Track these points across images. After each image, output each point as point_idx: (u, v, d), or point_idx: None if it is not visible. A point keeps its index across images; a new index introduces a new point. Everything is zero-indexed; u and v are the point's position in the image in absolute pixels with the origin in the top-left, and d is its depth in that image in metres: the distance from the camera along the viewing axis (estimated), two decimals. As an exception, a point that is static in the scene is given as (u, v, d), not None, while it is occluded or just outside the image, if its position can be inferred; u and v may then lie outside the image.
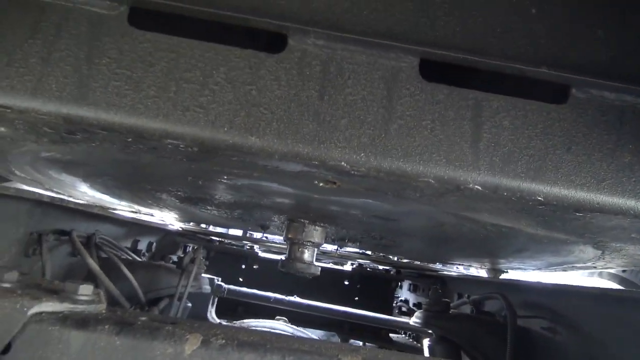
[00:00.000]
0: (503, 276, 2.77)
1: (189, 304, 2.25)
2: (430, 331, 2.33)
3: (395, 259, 3.64)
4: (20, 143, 1.29)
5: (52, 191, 2.09)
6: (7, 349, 0.90)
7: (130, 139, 1.06)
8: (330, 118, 1.04)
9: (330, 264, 4.10)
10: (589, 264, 1.88)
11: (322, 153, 1.03)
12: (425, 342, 2.34)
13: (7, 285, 0.98)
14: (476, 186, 1.06)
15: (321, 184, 1.21)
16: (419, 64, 1.07)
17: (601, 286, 2.31)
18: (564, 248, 1.64)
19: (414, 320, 2.41)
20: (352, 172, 1.05)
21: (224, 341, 0.96)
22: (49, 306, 0.93)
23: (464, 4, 1.06)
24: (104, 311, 1.02)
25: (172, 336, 0.95)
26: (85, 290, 1.01)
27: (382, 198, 1.30)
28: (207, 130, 1.02)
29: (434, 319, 2.28)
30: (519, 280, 2.44)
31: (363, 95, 1.05)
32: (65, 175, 1.66)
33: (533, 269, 2.43)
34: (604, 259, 1.71)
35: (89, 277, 1.69)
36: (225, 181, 1.39)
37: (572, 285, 1.94)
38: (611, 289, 2.01)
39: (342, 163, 1.04)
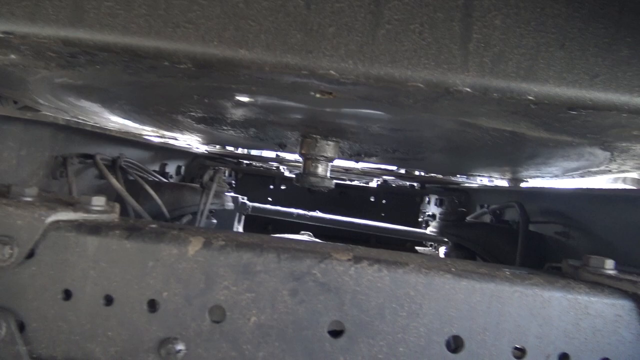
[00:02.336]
0: (523, 185, 2.78)
1: (214, 221, 2.38)
2: (446, 240, 2.40)
3: (418, 173, 3.68)
4: (33, 70, 1.35)
5: (78, 118, 2.19)
6: (31, 254, 1.01)
7: (126, 59, 1.11)
8: (318, 27, 1.05)
9: (356, 181, 4.17)
10: (602, 167, 1.87)
11: (310, 62, 1.05)
12: (442, 250, 2.42)
13: (28, 199, 1.07)
14: (466, 88, 1.06)
15: (317, 95, 1.23)
16: (406, -35, 1.05)
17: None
18: (572, 151, 1.64)
19: (430, 229, 2.48)
20: (342, 80, 1.07)
21: (224, 242, 1.05)
22: (65, 215, 1.03)
23: None
24: (116, 220, 1.12)
25: (176, 239, 1.04)
26: (98, 201, 1.10)
27: (380, 106, 1.32)
28: (198, 45, 1.05)
29: (450, 228, 2.34)
30: (536, 188, 2.45)
31: (350, 2, 1.05)
32: (84, 101, 1.74)
33: (551, 177, 2.42)
34: (615, 161, 1.70)
35: (118, 199, 1.80)
36: (229, 99, 1.44)
37: (584, 188, 1.94)
38: (619, 189, 2.00)
39: (331, 71, 1.06)
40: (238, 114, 1.68)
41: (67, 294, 1.01)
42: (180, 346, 1.00)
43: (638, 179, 2.45)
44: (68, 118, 1.66)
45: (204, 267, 1.02)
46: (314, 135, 1.92)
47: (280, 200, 3.87)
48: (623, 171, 1.94)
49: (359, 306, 1.03)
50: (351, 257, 1.05)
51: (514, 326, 1.05)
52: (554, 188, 2.34)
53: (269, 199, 3.93)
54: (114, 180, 1.63)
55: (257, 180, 3.95)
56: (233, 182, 3.76)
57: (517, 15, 1.05)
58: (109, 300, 1.02)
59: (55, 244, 1.02)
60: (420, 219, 4.10)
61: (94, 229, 1.04)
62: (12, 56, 1.23)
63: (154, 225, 1.10)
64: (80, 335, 1.01)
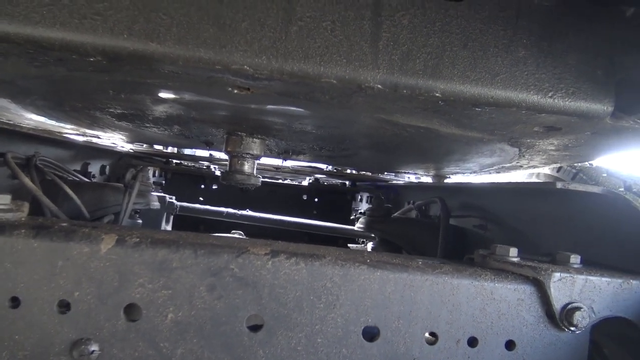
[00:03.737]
0: (446, 181, 2.90)
1: (140, 221, 2.32)
2: (373, 235, 2.46)
3: (350, 171, 3.74)
4: None
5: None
6: None
7: (31, 51, 1.06)
8: (231, 21, 1.05)
9: (288, 180, 4.19)
10: (514, 163, 1.98)
11: (224, 57, 1.05)
12: (369, 246, 2.48)
13: None
14: (377, 85, 1.10)
15: (235, 91, 1.23)
16: (318, -37, 1.07)
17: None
18: (485, 148, 1.73)
19: (358, 226, 2.53)
20: (256, 75, 1.08)
21: (138, 239, 1.03)
22: (-37, 214, 0.97)
23: None
24: (23, 219, 1.07)
25: (88, 237, 1.01)
26: (2, 199, 1.05)
27: (298, 102, 1.34)
28: (106, 38, 1.02)
29: (376, 224, 2.40)
30: (457, 183, 2.56)
31: (263, -2, 1.06)
32: (-8, 96, 1.65)
33: (470, 173, 2.54)
34: (524, 156, 1.81)
35: (34, 200, 1.72)
36: (145, 94, 1.41)
37: (498, 183, 2.06)
38: (528, 182, 2.14)
39: (245, 67, 1.06)
40: (159, 110, 1.65)
41: (-33, 298, 0.96)
42: (94, 347, 0.98)
43: (550, 174, 2.62)
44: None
45: (118, 265, 1.00)
46: (239, 133, 1.92)
47: (212, 199, 3.82)
48: (533, 166, 2.06)
49: (277, 299, 1.04)
50: (269, 252, 1.06)
51: (426, 313, 1.09)
52: (473, 183, 2.46)
53: (201, 198, 3.87)
54: (26, 180, 1.55)
55: (187, 180, 3.87)
56: (163, 181, 3.67)
57: (424, 15, 1.10)
58: (15, 303, 0.97)
59: (-49, 245, 0.96)
60: (352, 217, 4.17)
61: (-3, 228, 0.99)
62: None
63: (64, 224, 1.06)
64: (-18, 341, 0.96)
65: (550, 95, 1.13)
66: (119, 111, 1.74)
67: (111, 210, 2.06)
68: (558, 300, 1.11)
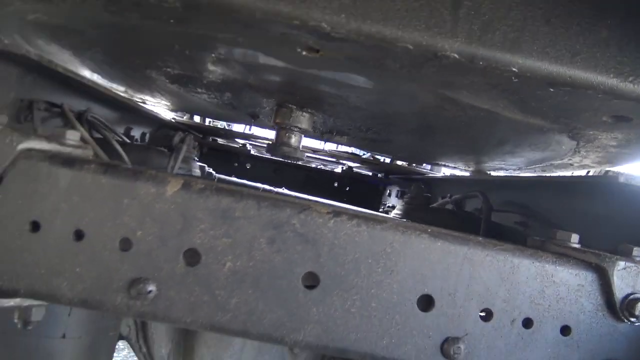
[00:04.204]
0: (485, 177, 2.85)
1: (180, 187, 2.33)
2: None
3: (383, 160, 3.72)
4: (6, 1, 1.29)
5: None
6: (-1, 181, 0.97)
7: (112, -9, 1.07)
8: (313, -23, 1.04)
9: (321, 166, 4.19)
10: (565, 160, 1.94)
11: (303, 12, 1.04)
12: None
13: (-3, 125, 1.02)
14: (454, 54, 1.08)
15: (304, 52, 1.22)
16: None
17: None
18: (542, 139, 1.69)
19: (395, 212, 2.51)
20: (333, 34, 1.07)
21: (203, 186, 1.03)
22: (38, 144, 0.98)
23: None
24: (91, 156, 1.08)
25: (154, 178, 1.01)
26: (73, 135, 1.06)
27: (365, 71, 1.33)
28: (189, -17, 1.02)
29: (414, 211, 2.38)
30: (498, 177, 2.52)
31: (347, -45, 1.04)
32: (55, 46, 1.67)
33: (514, 169, 2.50)
34: (579, 152, 1.76)
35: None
36: (211, 51, 1.41)
37: (544, 176, 2.02)
38: (578, 176, 2.08)
39: (323, 24, 1.05)
40: (217, 72, 1.65)
41: (35, 226, 0.97)
42: (151, 287, 0.98)
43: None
44: (38, 54, 1.58)
45: (182, 208, 1.00)
46: (290, 105, 1.91)
47: (244, 178, 3.83)
48: (584, 166, 2.02)
49: (336, 259, 1.03)
50: (331, 211, 1.05)
51: (483, 289, 1.07)
52: (515, 176, 2.42)
53: (233, 176, 3.89)
54: (83, 130, 1.57)
55: (222, 157, 3.89)
56: (197, 149, 3.69)
57: (508, -14, 1.08)
58: (79, 236, 0.98)
59: (26, 173, 0.97)
60: (380, 210, 4.15)
61: (69, 161, 1.00)
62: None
63: (128, 166, 1.07)
64: (46, 270, 0.97)
65: (630, 79, 1.10)
66: (175, 72, 1.75)
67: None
68: (620, 289, 1.08)
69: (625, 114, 1.23)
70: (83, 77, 1.66)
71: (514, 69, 1.09)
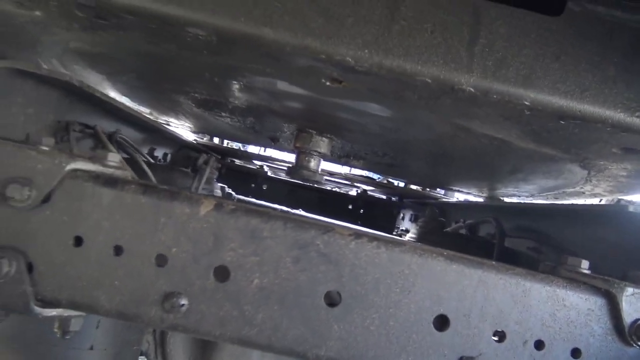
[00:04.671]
0: (498, 203, 2.90)
1: (201, 206, 2.41)
2: (424, 246, 2.48)
3: (398, 184, 3.78)
4: (53, 29, 1.39)
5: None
6: (47, 199, 1.05)
7: (155, 26, 1.16)
8: (338, 15, 1.12)
9: (336, 189, 4.25)
10: (577, 188, 1.99)
11: (329, 47, 1.13)
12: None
13: (45, 147, 1.11)
14: (469, 88, 1.16)
15: (328, 83, 1.30)
16: (426, -31, 1.14)
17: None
18: (554, 167, 1.75)
19: (410, 236, 2.56)
20: (356, 67, 1.15)
21: (234, 207, 1.10)
22: (83, 165, 1.06)
23: None
24: (130, 177, 1.16)
25: (189, 199, 1.09)
26: (114, 157, 1.14)
27: (384, 101, 1.40)
28: (226, 20, 1.11)
29: (428, 235, 2.43)
30: (510, 203, 2.57)
31: (369, -5, 1.13)
32: (91, 71, 1.77)
33: (527, 195, 2.55)
34: (590, 181, 1.82)
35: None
36: (239, 80, 1.50)
37: (557, 204, 2.06)
38: (591, 204, 2.13)
39: (348, 58, 1.14)
40: (242, 98, 1.74)
41: (78, 241, 1.05)
42: (184, 301, 1.05)
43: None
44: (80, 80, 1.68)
45: (214, 228, 1.07)
46: (310, 130, 1.99)
47: (260, 198, 3.91)
48: (595, 194, 2.06)
49: (357, 279, 1.09)
50: (352, 233, 1.11)
51: (497, 311, 1.12)
52: (528, 203, 2.46)
53: (250, 197, 3.97)
54: (115, 152, 1.65)
55: (239, 178, 3.98)
56: (218, 166, 3.78)
57: (520, 26, 1.16)
58: (118, 251, 1.05)
59: (72, 192, 1.05)
60: (394, 233, 4.19)
61: (111, 181, 1.08)
62: (37, 13, 1.27)
63: (165, 187, 1.15)
64: (87, 282, 1.04)
65: (637, 114, 1.16)
66: (202, 97, 1.84)
67: (178, 192, 2.16)
68: (629, 314, 1.13)
69: (633, 147, 1.29)
70: (115, 101, 1.76)
71: (526, 103, 1.16)
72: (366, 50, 1.13)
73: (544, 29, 1.16)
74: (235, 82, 1.53)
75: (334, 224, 1.18)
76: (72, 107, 1.77)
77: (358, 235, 1.12)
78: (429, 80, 1.15)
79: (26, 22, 1.34)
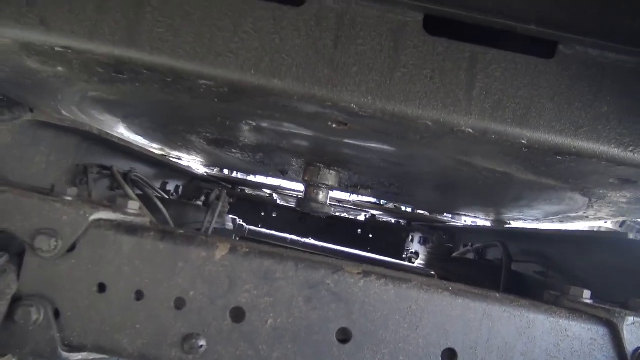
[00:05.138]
0: (506, 227, 2.94)
1: (213, 239, 2.47)
2: (433, 272, 2.52)
3: (406, 209, 3.82)
4: (73, 82, 1.47)
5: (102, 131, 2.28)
6: (72, 248, 1.11)
7: (170, 79, 1.24)
8: (343, 65, 1.19)
9: (345, 214, 4.30)
10: (581, 213, 2.03)
11: (335, 95, 1.19)
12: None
13: (69, 198, 1.18)
14: (468, 129, 1.21)
15: (334, 125, 1.37)
16: (423, 19, 1.21)
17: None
18: (555, 195, 1.80)
19: (418, 262, 2.60)
20: (361, 113, 1.22)
21: (247, 250, 1.16)
22: (105, 214, 1.13)
23: (466, -34, 1.18)
24: (148, 223, 1.22)
25: (205, 243, 1.15)
26: (133, 205, 1.21)
27: (388, 140, 1.46)
28: (237, 73, 1.18)
29: (437, 261, 2.47)
30: (518, 228, 2.60)
31: (372, 46, 1.20)
32: (107, 115, 1.85)
33: (532, 220, 2.58)
34: (592, 207, 1.86)
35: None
36: (250, 122, 1.57)
37: (564, 230, 2.10)
38: (596, 231, 2.16)
39: (352, 105, 1.20)
40: (252, 138, 1.81)
41: (102, 288, 1.11)
42: (202, 342, 1.10)
43: (613, 229, 2.63)
44: (97, 128, 1.77)
45: (229, 270, 1.13)
46: (318, 164, 2.06)
47: (270, 226, 3.96)
48: (599, 218, 2.10)
49: (366, 316, 1.14)
50: (361, 271, 1.17)
51: (502, 343, 1.17)
52: (535, 229, 2.50)
53: (260, 225, 4.03)
54: (130, 192, 1.73)
55: (249, 206, 4.05)
56: (230, 200, 3.85)
57: (515, 69, 1.22)
58: (139, 296, 1.11)
59: (95, 241, 1.12)
60: (403, 256, 4.22)
61: (131, 229, 1.14)
62: (60, 68, 1.35)
63: (182, 231, 1.21)
64: (110, 327, 1.10)
65: (630, 149, 1.21)
66: (214, 137, 1.91)
67: (191, 227, 2.23)
68: (630, 343, 1.16)
69: (629, 178, 1.34)
70: (129, 143, 1.84)
71: (523, 141, 1.22)
72: (369, 97, 1.19)
73: (538, 72, 1.22)
74: (245, 125, 1.60)
75: (343, 262, 1.23)
76: (90, 151, 1.85)
77: (367, 273, 1.17)
78: (430, 123, 1.21)
79: (49, 76, 1.43)
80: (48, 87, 1.59)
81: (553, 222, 2.48)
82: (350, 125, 1.36)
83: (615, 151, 1.21)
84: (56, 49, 1.19)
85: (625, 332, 1.17)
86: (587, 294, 1.28)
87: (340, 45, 1.20)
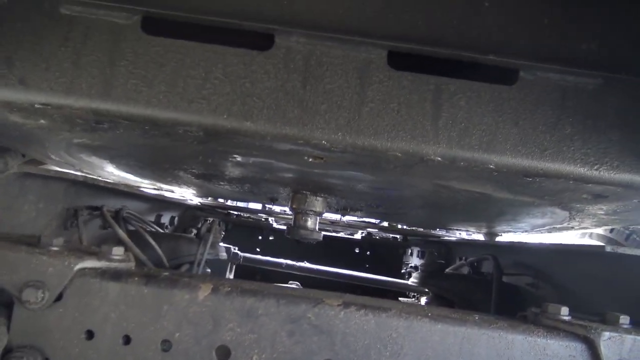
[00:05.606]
0: (498, 239, 2.97)
1: (208, 270, 2.51)
2: (427, 290, 2.55)
3: (401, 226, 3.85)
4: (57, 132, 1.52)
5: (83, 172, 2.34)
6: (59, 297, 1.15)
7: (147, 127, 1.28)
8: (312, 104, 1.24)
9: (341, 233, 4.33)
10: (565, 224, 2.06)
11: (305, 134, 1.24)
12: (423, 300, 2.56)
13: (55, 248, 1.22)
14: (437, 157, 1.26)
15: (310, 159, 1.42)
16: (387, 55, 1.25)
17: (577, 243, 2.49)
18: (536, 210, 1.83)
19: (412, 280, 2.63)
20: (332, 149, 1.26)
21: (229, 289, 1.20)
22: (90, 263, 1.17)
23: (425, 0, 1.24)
24: (133, 268, 1.26)
25: (188, 285, 1.19)
26: (118, 251, 1.25)
27: (364, 169, 1.51)
28: (210, 118, 1.23)
29: (430, 279, 2.49)
30: (509, 242, 2.63)
31: (339, 84, 1.25)
32: (94, 157, 1.90)
33: (521, 232, 2.62)
34: (574, 219, 1.89)
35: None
36: (231, 159, 1.61)
37: (551, 244, 2.14)
38: (580, 245, 2.20)
39: (323, 142, 1.24)
40: (236, 172, 1.86)
41: (90, 334, 1.14)
42: (189, 382, 1.13)
43: (603, 235, 2.66)
44: (80, 173, 1.82)
45: (212, 310, 1.17)
46: (304, 192, 2.10)
47: (268, 250, 4.00)
48: (584, 228, 2.14)
49: (348, 346, 1.18)
50: (341, 303, 1.20)
51: (482, 365, 1.19)
52: (525, 243, 2.54)
53: (257, 249, 4.06)
54: (120, 232, 1.77)
55: (246, 231, 4.09)
56: (223, 232, 3.89)
57: (479, 98, 1.26)
58: (127, 340, 1.15)
59: (81, 289, 1.16)
60: (403, 270, 4.24)
61: (115, 275, 1.18)
62: (42, 121, 1.40)
63: (166, 273, 1.25)
64: (99, 372, 1.13)
65: (595, 167, 1.25)
66: (200, 172, 1.96)
67: (186, 259, 2.27)
68: (608, 358, 1.19)
69: (600, 194, 1.38)
70: (118, 184, 1.88)
71: (491, 166, 1.26)
72: (339, 133, 1.24)
73: (501, 98, 1.26)
74: (227, 162, 1.65)
75: (323, 294, 1.26)
76: (79, 194, 1.89)
77: (347, 304, 1.20)
78: (400, 154, 1.25)
79: (33, 128, 1.48)
80: (34, 136, 1.64)
81: (542, 233, 2.51)
82: (326, 159, 1.40)
83: (581, 170, 1.25)
84: (36, 105, 1.24)
85: (602, 348, 1.19)
86: (564, 310, 1.31)
87: (309, 85, 1.24)
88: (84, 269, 1.17)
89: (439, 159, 1.25)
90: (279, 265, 3.48)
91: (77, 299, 1.15)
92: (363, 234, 4.25)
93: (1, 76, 1.22)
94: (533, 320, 1.32)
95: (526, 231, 2.56)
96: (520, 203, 1.71)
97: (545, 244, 2.17)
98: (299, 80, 1.25)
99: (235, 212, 4.03)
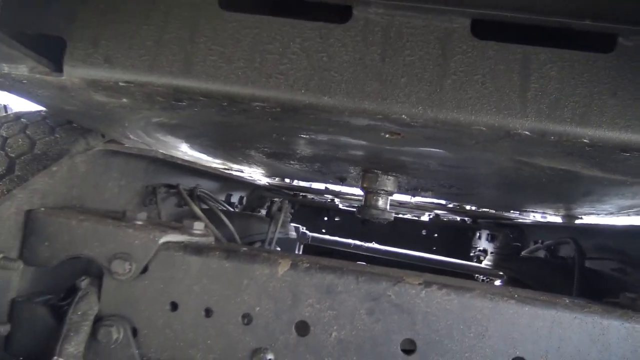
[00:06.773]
0: (577, 222, 2.81)
1: (278, 249, 2.54)
2: (501, 273, 2.46)
3: (470, 208, 3.74)
4: (137, 111, 1.56)
5: (166, 153, 2.41)
6: (144, 269, 1.19)
7: (225, 103, 1.29)
8: (392, 77, 1.20)
9: (408, 215, 4.27)
10: (658, 205, 1.92)
11: (385, 108, 1.20)
12: (497, 284, 2.47)
13: (140, 222, 1.26)
14: (525, 131, 1.18)
15: (387, 136, 1.38)
16: (471, 24, 1.19)
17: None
18: (626, 190, 1.71)
19: (485, 263, 2.55)
20: (412, 123, 1.22)
21: (308, 265, 1.19)
22: (173, 237, 1.20)
23: (512, -35, 1.16)
24: (213, 243, 1.28)
25: (268, 260, 1.19)
26: (199, 226, 1.28)
27: (443, 146, 1.45)
28: (287, 93, 1.21)
29: (505, 262, 2.40)
30: (591, 224, 2.49)
31: (420, 56, 1.19)
32: (170, 137, 1.95)
33: (606, 214, 2.46)
34: (670, 199, 1.75)
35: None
36: (304, 137, 1.60)
37: (636, 225, 1.99)
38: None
39: (403, 116, 1.20)
40: (307, 150, 1.85)
41: (174, 306, 1.18)
42: (270, 356, 1.14)
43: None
44: (162, 152, 1.87)
45: (292, 286, 1.17)
46: (376, 171, 2.06)
47: (333, 231, 4.01)
48: (679, 209, 1.97)
49: (430, 326, 1.14)
50: (422, 282, 1.17)
51: (574, 351, 1.13)
52: (609, 225, 2.38)
53: (323, 230, 4.08)
54: (197, 209, 1.81)
55: (312, 212, 4.11)
56: (292, 210, 3.93)
57: (571, 67, 1.17)
58: (209, 313, 1.17)
59: (165, 262, 1.19)
60: (471, 254, 4.13)
61: (197, 249, 1.20)
62: (124, 100, 1.44)
63: (245, 248, 1.26)
64: (184, 342, 1.16)
65: (703, 139, 1.14)
66: (271, 150, 1.97)
67: (256, 237, 2.30)
68: None
69: None
70: (193, 162, 1.92)
71: (585, 140, 1.17)
72: (420, 107, 1.19)
73: (597, 67, 1.17)
74: (300, 139, 1.64)
75: (404, 272, 1.23)
76: (157, 172, 1.95)
77: (427, 283, 1.17)
78: (484, 128, 1.19)
79: (115, 107, 1.52)
80: (115, 115, 1.70)
81: (629, 215, 2.35)
82: (403, 134, 1.36)
83: (685, 144, 1.14)
84: (120, 83, 1.27)
85: None
86: (665, 296, 1.21)
87: (388, 58, 1.20)
88: (168, 242, 1.20)
89: (527, 132, 1.18)
90: (347, 245, 3.47)
91: (162, 271, 1.19)
92: (430, 216, 4.17)
93: (88, 55, 1.25)
94: (630, 305, 1.23)
95: (611, 213, 2.41)
96: (610, 182, 1.59)
97: (635, 226, 2.02)
98: (378, 52, 1.20)
99: (302, 193, 4.05)
